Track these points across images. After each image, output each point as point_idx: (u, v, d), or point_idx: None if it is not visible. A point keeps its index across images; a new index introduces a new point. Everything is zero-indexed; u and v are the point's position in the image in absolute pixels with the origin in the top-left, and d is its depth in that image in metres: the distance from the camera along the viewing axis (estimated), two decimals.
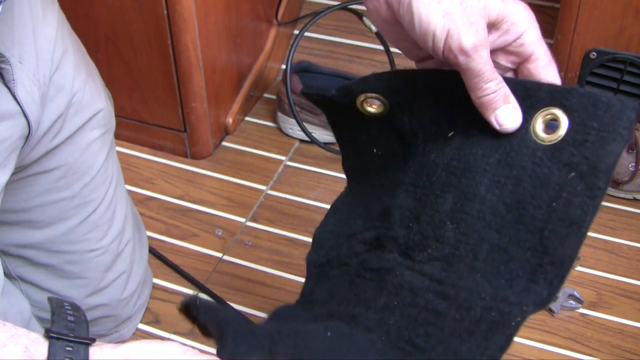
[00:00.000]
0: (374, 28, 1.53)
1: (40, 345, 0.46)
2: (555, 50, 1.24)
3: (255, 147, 1.44)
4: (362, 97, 0.63)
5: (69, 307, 0.50)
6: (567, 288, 1.15)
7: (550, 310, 1.14)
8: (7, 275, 0.94)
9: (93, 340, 0.47)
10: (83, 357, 0.46)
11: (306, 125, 1.39)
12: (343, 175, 0.72)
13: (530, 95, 0.55)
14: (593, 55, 1.24)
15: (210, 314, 0.51)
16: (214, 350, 0.50)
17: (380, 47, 1.47)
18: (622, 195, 1.30)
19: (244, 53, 1.47)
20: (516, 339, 0.53)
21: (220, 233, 1.28)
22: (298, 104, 1.39)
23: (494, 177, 0.55)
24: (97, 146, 0.92)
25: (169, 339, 1.07)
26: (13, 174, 0.79)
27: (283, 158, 1.41)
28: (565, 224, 0.52)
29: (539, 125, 0.55)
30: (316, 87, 0.66)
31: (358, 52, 1.57)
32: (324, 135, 1.42)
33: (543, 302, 0.52)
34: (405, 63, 0.65)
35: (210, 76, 1.35)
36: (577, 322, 1.13)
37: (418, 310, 0.55)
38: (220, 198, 1.34)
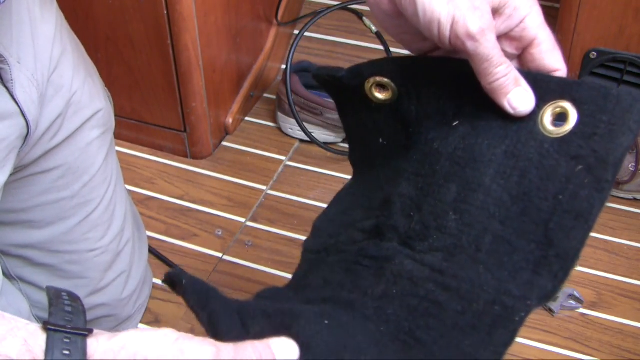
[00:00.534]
0: (374, 28, 1.54)
1: (38, 338, 0.46)
2: None
3: (255, 147, 1.44)
4: (371, 81, 0.62)
5: (67, 297, 0.50)
6: (567, 288, 1.15)
7: (550, 310, 1.14)
8: (6, 275, 0.94)
9: (91, 331, 0.47)
10: (81, 349, 0.46)
11: (306, 125, 1.39)
12: (343, 175, 0.72)
13: (540, 87, 0.55)
14: (593, 55, 1.24)
15: (196, 297, 0.50)
16: None
17: (380, 47, 1.47)
18: (622, 195, 1.30)
19: (244, 53, 1.47)
20: (516, 338, 0.52)
21: (220, 233, 1.28)
22: (298, 104, 1.39)
23: (500, 168, 0.54)
24: (96, 146, 0.92)
25: None
26: (12, 174, 0.79)
27: (283, 158, 1.41)
28: (571, 216, 0.51)
29: (547, 117, 0.54)
30: (327, 68, 0.65)
31: (358, 52, 1.57)
32: (324, 135, 1.42)
33: (547, 296, 0.52)
34: None
35: (210, 76, 1.35)
36: (577, 322, 1.13)
37: (418, 300, 0.54)
38: (220, 198, 1.34)
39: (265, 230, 1.28)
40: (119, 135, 1.36)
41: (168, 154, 1.43)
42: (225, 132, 1.46)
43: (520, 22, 0.55)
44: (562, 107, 0.54)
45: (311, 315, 0.51)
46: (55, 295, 0.50)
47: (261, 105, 1.53)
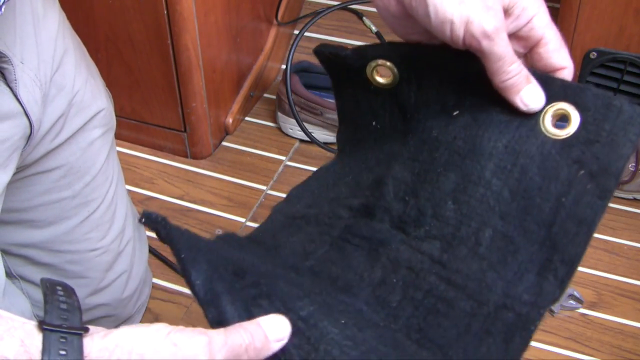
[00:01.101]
0: (374, 28, 1.54)
1: (34, 338, 0.46)
2: None
3: (255, 147, 1.44)
4: (373, 64, 0.63)
5: (62, 292, 0.50)
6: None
7: (550, 310, 1.14)
8: (8, 274, 0.94)
9: (86, 329, 0.47)
10: (77, 348, 0.46)
11: (306, 125, 1.39)
12: None
13: (543, 87, 0.55)
14: (593, 55, 1.24)
15: (172, 241, 0.50)
16: None
17: None
18: (622, 195, 1.30)
19: (244, 53, 1.47)
20: None
21: (220, 233, 1.27)
22: (298, 104, 1.39)
23: (500, 163, 0.55)
24: (98, 146, 0.92)
25: None
26: (14, 173, 0.79)
27: (283, 158, 1.41)
28: (574, 221, 0.52)
29: (548, 117, 0.55)
30: (331, 46, 0.66)
31: None
32: (324, 135, 1.42)
33: (553, 302, 0.52)
34: None
35: (210, 76, 1.35)
36: (577, 322, 1.14)
37: (422, 294, 0.54)
38: (220, 198, 1.34)
39: None
40: (119, 135, 1.35)
41: (168, 154, 1.43)
42: (225, 132, 1.46)
43: (528, 21, 0.56)
44: (563, 109, 0.54)
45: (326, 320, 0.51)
46: (50, 290, 0.50)
47: (261, 105, 1.53)
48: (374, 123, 0.65)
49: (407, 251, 0.56)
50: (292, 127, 1.43)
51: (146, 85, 1.35)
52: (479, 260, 0.53)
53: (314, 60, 1.47)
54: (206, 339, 0.46)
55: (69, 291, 0.50)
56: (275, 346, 0.48)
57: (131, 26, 1.27)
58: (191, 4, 1.23)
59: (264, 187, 1.35)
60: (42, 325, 0.46)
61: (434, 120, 0.60)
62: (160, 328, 0.47)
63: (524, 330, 0.52)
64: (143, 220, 0.51)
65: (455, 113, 0.58)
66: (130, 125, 1.42)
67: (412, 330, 0.53)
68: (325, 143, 1.40)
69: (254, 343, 0.47)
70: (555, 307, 1.14)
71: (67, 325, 0.47)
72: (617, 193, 1.30)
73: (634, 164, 1.27)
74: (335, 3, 1.59)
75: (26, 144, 0.79)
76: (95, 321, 1.02)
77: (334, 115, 1.37)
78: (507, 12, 0.56)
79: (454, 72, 0.59)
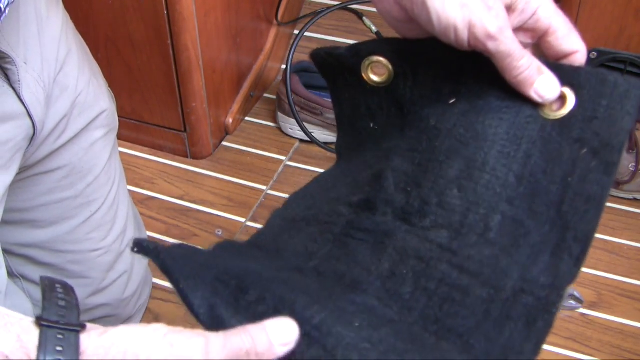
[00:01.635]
0: (374, 28, 1.54)
1: (31, 334, 0.46)
2: None
3: (255, 147, 1.44)
4: (367, 62, 0.62)
5: (61, 290, 0.49)
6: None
7: None
8: (10, 273, 0.94)
9: (84, 326, 0.47)
10: (74, 345, 0.45)
11: (306, 125, 1.39)
12: None
13: None
14: (593, 55, 1.24)
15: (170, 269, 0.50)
16: None
17: None
18: (622, 195, 1.30)
19: (244, 53, 1.47)
20: None
21: (220, 233, 1.27)
22: (298, 104, 1.39)
23: (503, 149, 0.55)
24: (100, 146, 0.92)
25: None
26: (17, 173, 0.79)
27: (283, 158, 1.41)
28: (582, 199, 0.52)
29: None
30: (325, 47, 0.66)
31: None
32: (324, 135, 1.42)
33: (570, 282, 0.52)
34: None
35: (210, 76, 1.35)
36: (577, 322, 1.14)
37: (436, 283, 0.53)
38: (220, 198, 1.34)
39: None
40: (119, 135, 1.35)
41: (168, 154, 1.43)
42: (225, 132, 1.46)
43: (533, 14, 0.56)
44: (560, 92, 0.55)
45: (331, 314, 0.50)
46: (49, 288, 0.49)
47: (261, 105, 1.53)
48: (372, 125, 0.65)
49: (414, 240, 0.55)
50: (292, 127, 1.43)
51: (146, 85, 1.35)
52: (490, 246, 0.53)
53: None
54: (204, 341, 0.45)
55: (68, 289, 0.50)
56: (281, 350, 0.46)
57: (131, 26, 1.27)
58: (191, 4, 1.23)
59: (264, 187, 1.35)
60: (40, 321, 0.46)
61: (431, 109, 0.59)
62: (158, 328, 0.47)
63: (545, 313, 0.51)
64: (135, 249, 0.50)
65: (451, 101, 0.58)
66: (130, 125, 1.42)
67: (429, 321, 0.52)
68: (325, 143, 1.40)
69: (256, 347, 0.46)
70: None
71: (64, 322, 0.47)
72: (617, 193, 1.30)
73: (634, 164, 1.27)
74: (335, 3, 1.59)
75: (29, 145, 0.79)
76: (96, 321, 1.02)
77: (334, 115, 1.37)
78: (510, 8, 0.55)
79: (449, 63, 0.59)
